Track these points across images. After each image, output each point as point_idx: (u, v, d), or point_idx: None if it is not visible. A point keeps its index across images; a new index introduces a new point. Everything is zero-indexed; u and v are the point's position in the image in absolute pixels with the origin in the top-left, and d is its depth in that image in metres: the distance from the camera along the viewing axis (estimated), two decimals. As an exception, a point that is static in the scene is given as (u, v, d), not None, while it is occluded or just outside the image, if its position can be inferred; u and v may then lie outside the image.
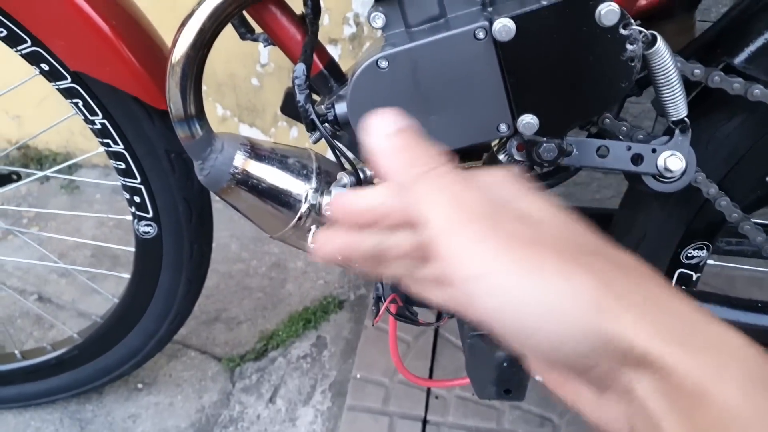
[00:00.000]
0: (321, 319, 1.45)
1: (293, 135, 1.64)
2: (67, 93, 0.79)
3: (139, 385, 1.29)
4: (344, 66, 0.72)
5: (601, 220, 0.80)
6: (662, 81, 0.57)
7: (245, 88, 1.59)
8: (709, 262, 0.74)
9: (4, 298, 1.48)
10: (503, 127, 0.60)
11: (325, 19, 1.43)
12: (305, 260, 1.62)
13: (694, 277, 0.73)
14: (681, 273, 0.72)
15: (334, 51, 1.46)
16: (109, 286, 1.40)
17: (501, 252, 0.32)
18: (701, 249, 0.71)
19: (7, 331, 1.38)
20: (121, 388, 1.27)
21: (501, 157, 0.70)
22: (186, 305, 1.05)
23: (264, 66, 1.55)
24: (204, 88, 1.83)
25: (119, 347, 1.08)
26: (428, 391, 1.27)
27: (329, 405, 1.26)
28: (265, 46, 0.72)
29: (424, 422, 1.22)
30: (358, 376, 1.30)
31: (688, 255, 0.71)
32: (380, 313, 0.65)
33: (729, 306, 0.65)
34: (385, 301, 0.69)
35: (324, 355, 1.37)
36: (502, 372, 0.48)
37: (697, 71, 0.58)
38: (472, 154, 0.82)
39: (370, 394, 1.26)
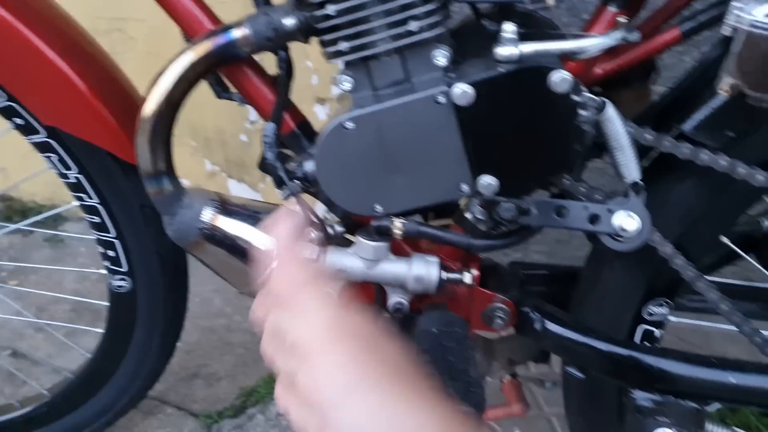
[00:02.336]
0: (301, 376, 1.44)
1: (280, 190, 1.67)
2: (42, 147, 0.80)
3: (111, 444, 1.26)
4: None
5: (568, 277, 0.82)
6: (614, 145, 0.59)
7: (234, 144, 1.62)
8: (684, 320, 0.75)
9: (-23, 355, 1.46)
10: (464, 188, 0.62)
11: (313, 80, 1.47)
12: (287, 315, 1.61)
13: (657, 333, 0.74)
14: (644, 330, 0.73)
15: (322, 110, 1.50)
16: (88, 341, 1.39)
17: (358, 384, 0.36)
18: (662, 306, 0.72)
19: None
20: (93, 446, 1.24)
21: (467, 215, 0.72)
22: (160, 361, 1.04)
23: (253, 123, 1.58)
24: (193, 144, 1.85)
25: (90, 404, 1.06)
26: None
27: (305, 464, 1.23)
28: (239, 105, 0.74)
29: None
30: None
31: (650, 312, 0.72)
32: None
33: (685, 362, 0.66)
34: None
35: (302, 412, 1.35)
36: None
37: (648, 136, 0.60)
38: (443, 212, 0.84)
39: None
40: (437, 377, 0.53)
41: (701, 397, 0.69)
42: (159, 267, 0.90)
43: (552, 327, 0.70)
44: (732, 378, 0.67)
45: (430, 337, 0.57)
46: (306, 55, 1.41)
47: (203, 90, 0.68)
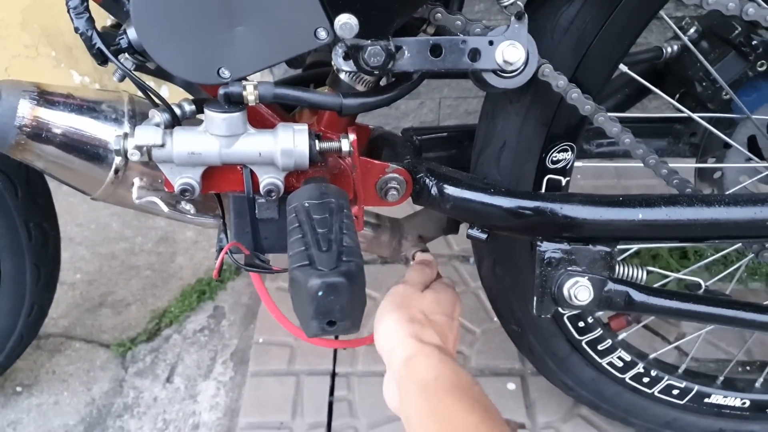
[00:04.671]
0: (217, 289, 1.36)
1: (165, 93, 1.51)
2: None
3: (18, 388, 1.16)
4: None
5: (467, 137, 0.75)
6: (486, -42, 0.50)
7: (100, 50, 1.43)
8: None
9: None
10: (322, 33, 0.52)
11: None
12: (195, 230, 1.51)
13: (564, 181, 0.68)
14: (549, 179, 0.68)
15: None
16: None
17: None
18: (566, 151, 0.66)
19: None
20: (-4, 394, 1.15)
21: (341, 75, 0.63)
22: (42, 293, 0.94)
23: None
24: (52, 53, 1.63)
25: (-27, 350, 0.96)
26: (335, 344, 1.22)
27: (232, 375, 1.18)
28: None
29: (333, 375, 1.16)
30: (261, 340, 1.23)
31: (554, 159, 0.66)
32: (218, 263, 0.57)
33: (592, 204, 0.61)
34: (229, 254, 0.61)
35: (223, 325, 1.28)
36: (318, 303, 0.42)
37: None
38: (320, 81, 0.74)
39: (275, 356, 1.20)
40: (305, 249, 0.45)
41: (611, 239, 0.64)
42: (6, 186, 0.77)
43: (449, 190, 0.64)
44: (641, 214, 0.62)
45: (299, 211, 0.49)
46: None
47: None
